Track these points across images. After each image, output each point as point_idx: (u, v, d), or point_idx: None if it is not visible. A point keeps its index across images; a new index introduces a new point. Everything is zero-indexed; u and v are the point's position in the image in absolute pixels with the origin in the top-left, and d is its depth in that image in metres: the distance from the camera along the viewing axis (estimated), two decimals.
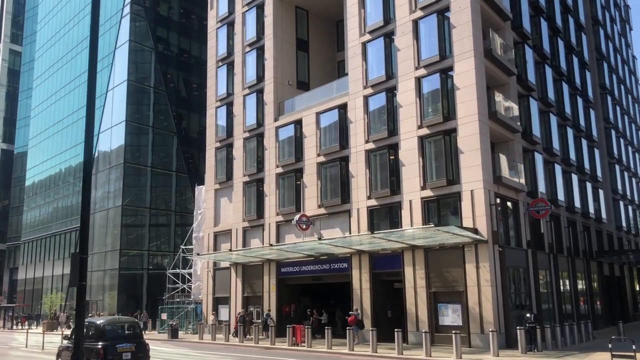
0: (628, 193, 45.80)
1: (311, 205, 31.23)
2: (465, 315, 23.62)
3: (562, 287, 29.96)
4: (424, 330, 21.45)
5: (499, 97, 26.30)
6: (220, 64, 39.73)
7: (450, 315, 24.27)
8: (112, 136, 53.07)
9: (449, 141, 25.56)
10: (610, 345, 16.69)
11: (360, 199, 28.75)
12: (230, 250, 32.97)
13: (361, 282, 28.12)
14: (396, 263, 26.78)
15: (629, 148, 49.81)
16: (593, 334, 26.25)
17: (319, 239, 26.65)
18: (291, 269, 32.19)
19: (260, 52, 36.40)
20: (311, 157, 31.80)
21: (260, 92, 35.89)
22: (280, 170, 33.58)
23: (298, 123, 32.94)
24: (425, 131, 26.36)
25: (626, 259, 40.81)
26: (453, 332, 20.49)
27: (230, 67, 38.79)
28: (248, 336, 30.12)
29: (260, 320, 31.09)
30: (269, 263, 33.07)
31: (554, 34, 34.27)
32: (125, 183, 50.57)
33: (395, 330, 22.07)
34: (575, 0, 40.00)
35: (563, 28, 36.05)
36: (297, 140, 32.81)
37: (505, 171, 25.66)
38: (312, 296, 34.60)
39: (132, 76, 52.26)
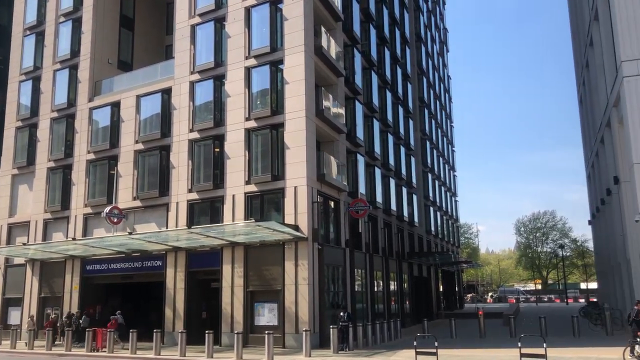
0: (437, 200, 49.62)
1: (125, 196, 28.52)
2: (281, 315, 22.98)
3: (376, 287, 30.93)
4: (237, 331, 20.28)
5: (327, 97, 26.27)
6: (28, 32, 34.92)
7: (266, 315, 23.46)
8: None
9: (276, 136, 24.84)
10: (415, 343, 17.05)
11: (181, 192, 26.85)
12: (26, 244, 28.74)
13: (175, 282, 26.20)
14: (215, 261, 25.35)
15: (440, 159, 54.15)
16: (401, 332, 27.32)
17: (130, 233, 24.18)
18: (98, 266, 29.07)
19: (77, 24, 32.63)
20: (128, 144, 29.07)
21: (74, 69, 32.12)
22: (92, 156, 30.26)
23: (116, 105, 29.97)
24: (252, 124, 25.37)
25: (433, 260, 43.98)
26: (266, 332, 19.61)
27: (40, 37, 34.28)
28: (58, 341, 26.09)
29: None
30: (73, 260, 29.55)
31: (381, 43, 35.61)
32: None
33: (207, 332, 20.62)
34: (402, 14, 42.27)
35: (390, 39, 37.72)
36: (114, 125, 29.84)
37: (333, 170, 25.69)
38: (122, 296, 31.71)
39: None
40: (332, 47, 27.30)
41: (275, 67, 25.25)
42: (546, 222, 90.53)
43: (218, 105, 26.68)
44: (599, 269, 44.25)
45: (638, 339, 15.53)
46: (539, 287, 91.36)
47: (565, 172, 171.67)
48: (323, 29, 26.26)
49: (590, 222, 43.19)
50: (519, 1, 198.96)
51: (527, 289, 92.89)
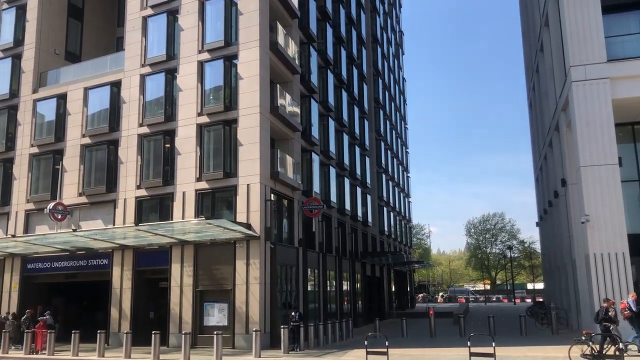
0: (391, 201, 49.97)
1: (71, 192, 27.42)
2: (231, 315, 22.50)
3: (329, 286, 30.78)
4: (184, 332, 19.70)
5: (282, 94, 25.93)
6: None
7: (216, 315, 22.93)
8: None
9: (229, 132, 24.34)
10: (366, 342, 16.94)
11: (129, 188, 26.01)
12: None
13: (122, 281, 25.33)
14: (163, 260, 24.64)
15: (395, 160, 54.59)
16: (353, 332, 27.24)
17: (74, 230, 23.22)
18: (40, 265, 27.85)
19: (22, 11, 31.21)
20: (75, 138, 27.98)
21: (17, 58, 30.70)
22: (35, 150, 28.99)
23: (62, 98, 28.80)
24: (205, 119, 24.79)
25: (386, 260, 44.23)
26: (215, 332, 19.12)
27: None
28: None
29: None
30: (13, 258, 28.20)
31: (338, 42, 35.50)
32: None
33: (153, 332, 19.95)
34: (359, 15, 42.34)
35: (347, 38, 37.67)
36: (60, 118, 28.67)
37: (288, 168, 25.35)
38: (66, 296, 30.50)
39: None
40: (290, 45, 26.98)
41: (230, 62, 24.75)
42: (495, 224, 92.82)
43: (169, 100, 25.97)
44: (545, 270, 45.48)
45: (583, 338, 15.84)
46: (488, 287, 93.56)
47: (515, 175, 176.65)
48: (279, 26, 25.91)
49: (537, 224, 44.34)
50: (471, 6, 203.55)
51: (477, 289, 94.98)
